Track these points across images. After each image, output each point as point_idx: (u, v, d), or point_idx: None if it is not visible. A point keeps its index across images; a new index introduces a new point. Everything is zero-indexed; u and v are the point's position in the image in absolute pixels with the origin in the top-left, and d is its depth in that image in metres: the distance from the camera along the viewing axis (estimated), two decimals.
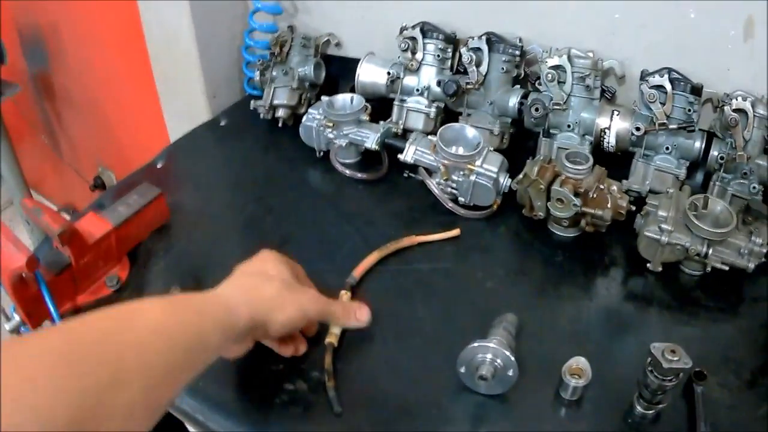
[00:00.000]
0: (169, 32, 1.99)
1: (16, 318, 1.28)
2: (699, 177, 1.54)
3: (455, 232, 1.42)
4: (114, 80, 2.86)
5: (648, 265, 1.35)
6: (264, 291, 1.05)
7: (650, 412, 1.07)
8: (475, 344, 1.07)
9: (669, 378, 1.00)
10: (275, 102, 1.85)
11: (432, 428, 1.08)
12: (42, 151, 3.71)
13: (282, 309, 1.04)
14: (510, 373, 1.07)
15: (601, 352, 1.19)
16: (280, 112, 1.87)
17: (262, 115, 1.89)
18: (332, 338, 1.18)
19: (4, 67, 2.82)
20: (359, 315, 1.16)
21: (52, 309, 1.25)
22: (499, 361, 1.06)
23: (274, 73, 1.88)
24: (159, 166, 1.75)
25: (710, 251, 1.29)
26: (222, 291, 1.03)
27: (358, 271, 1.30)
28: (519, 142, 1.71)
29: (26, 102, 3.45)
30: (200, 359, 0.91)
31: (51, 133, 3.57)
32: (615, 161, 1.52)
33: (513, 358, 1.06)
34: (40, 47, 3.11)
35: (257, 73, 1.91)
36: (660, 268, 1.35)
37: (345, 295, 1.25)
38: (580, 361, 1.10)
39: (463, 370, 1.09)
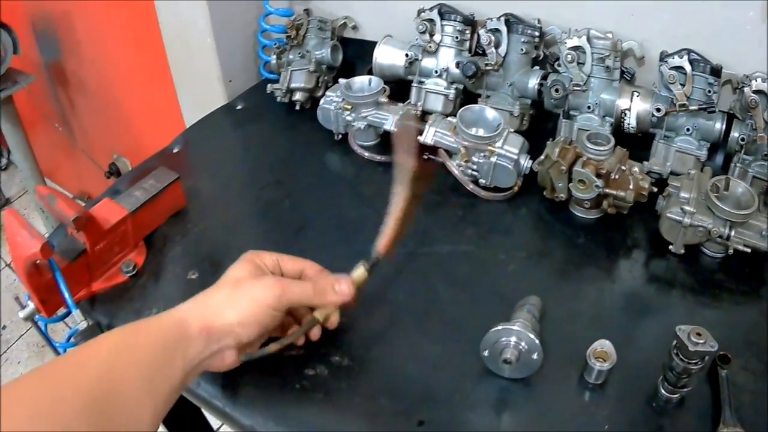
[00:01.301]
0: (184, 18, 1.99)
1: (31, 306, 1.28)
2: (719, 159, 1.53)
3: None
4: (128, 67, 2.87)
5: (670, 247, 1.35)
6: (210, 296, 1.02)
7: (675, 395, 1.06)
8: (499, 327, 1.07)
9: (694, 361, 0.99)
10: (292, 85, 1.85)
11: (455, 413, 1.08)
12: (56, 139, 3.72)
13: (232, 307, 0.99)
14: (534, 356, 1.06)
15: (624, 336, 1.18)
16: (297, 95, 1.86)
17: (279, 99, 1.88)
18: (318, 314, 1.10)
19: (18, 58, 2.83)
20: (339, 288, 1.07)
21: (66, 296, 1.24)
22: (523, 344, 1.06)
23: (290, 57, 1.88)
24: (175, 151, 1.75)
25: (732, 233, 1.28)
26: (176, 308, 1.00)
27: (383, 246, 1.10)
28: (539, 124, 1.70)
29: (40, 91, 3.47)
30: (169, 376, 0.92)
31: (65, 122, 3.59)
32: (636, 143, 1.51)
33: (538, 342, 1.05)
34: (53, 37, 3.13)
35: (274, 56, 1.91)
36: (682, 250, 1.34)
37: (359, 270, 1.10)
38: (604, 345, 1.09)
39: (486, 353, 1.09)
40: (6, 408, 0.74)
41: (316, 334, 1.13)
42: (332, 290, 1.07)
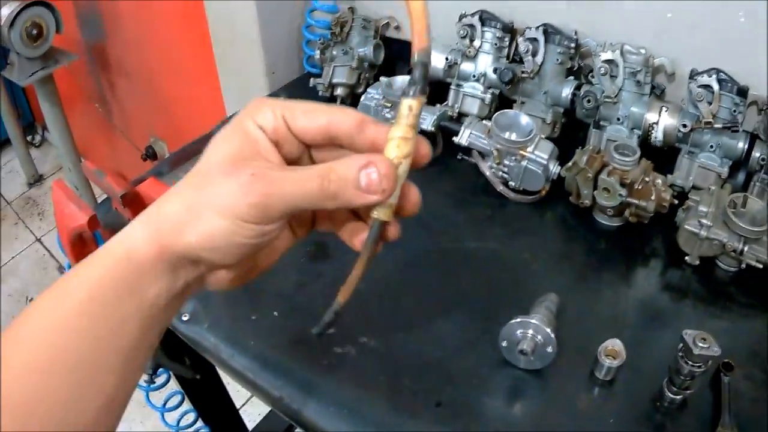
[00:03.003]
0: (231, 8, 2.04)
1: None
2: (741, 177, 1.56)
3: None
4: (172, 53, 2.90)
5: (686, 258, 1.39)
6: (167, 203, 0.67)
7: (678, 397, 1.11)
8: (518, 319, 1.13)
9: (698, 364, 1.04)
10: (334, 80, 1.90)
11: (471, 397, 1.14)
12: (94, 119, 3.76)
13: (191, 223, 0.64)
14: (549, 349, 1.12)
15: (636, 338, 1.22)
16: (339, 91, 1.91)
17: (320, 93, 1.93)
18: (378, 212, 0.68)
19: (60, 36, 2.87)
20: (368, 182, 0.64)
21: None
22: (539, 337, 1.12)
23: (334, 52, 1.92)
24: None
25: (746, 248, 1.32)
26: (125, 229, 0.68)
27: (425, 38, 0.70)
28: (570, 132, 1.73)
29: (80, 71, 3.50)
30: (119, 342, 0.65)
31: (104, 102, 3.62)
32: (661, 156, 1.54)
33: (553, 336, 1.11)
34: (97, 18, 3.15)
35: (317, 51, 1.95)
36: (697, 262, 1.38)
37: (398, 133, 0.65)
38: (615, 343, 1.15)
39: (504, 344, 1.15)
40: None
41: (393, 233, 0.71)
42: (354, 186, 0.65)
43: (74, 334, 0.63)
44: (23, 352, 0.62)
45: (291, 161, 0.69)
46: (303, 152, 0.71)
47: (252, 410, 2.96)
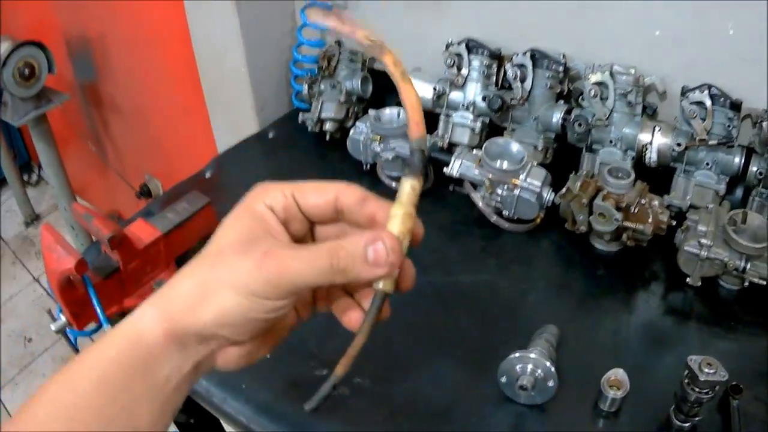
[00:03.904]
0: (218, 47, 2.04)
1: (63, 319, 1.33)
2: (739, 192, 1.55)
3: None
4: (162, 91, 2.90)
5: (687, 279, 1.37)
6: (178, 285, 0.68)
7: (687, 424, 1.09)
8: (516, 354, 1.10)
9: (705, 390, 1.02)
10: (323, 115, 1.89)
11: None
12: (88, 158, 3.76)
13: (204, 301, 0.65)
14: (550, 383, 1.10)
15: (640, 365, 1.20)
16: (328, 126, 1.90)
17: (309, 128, 1.92)
18: (384, 284, 0.69)
19: (53, 77, 2.89)
20: (375, 256, 0.66)
21: (99, 311, 1.29)
22: (539, 371, 1.10)
23: (321, 87, 1.92)
24: (207, 176, 1.80)
25: (748, 266, 1.30)
26: (135, 313, 0.70)
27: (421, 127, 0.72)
28: (562, 157, 1.72)
29: (74, 110, 3.51)
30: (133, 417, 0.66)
31: (97, 141, 3.62)
32: (656, 176, 1.53)
33: (553, 369, 1.09)
34: (88, 58, 3.16)
35: (305, 86, 1.95)
36: (699, 283, 1.36)
37: (402, 202, 0.69)
38: (618, 373, 1.12)
39: (503, 379, 1.13)
40: None
41: (386, 311, 0.72)
42: (363, 260, 0.66)
43: (88, 412, 0.64)
44: (44, 419, 0.64)
45: (298, 240, 0.72)
46: (307, 231, 0.74)
47: None
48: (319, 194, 0.71)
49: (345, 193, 0.71)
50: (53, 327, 1.34)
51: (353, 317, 0.73)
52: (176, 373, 0.68)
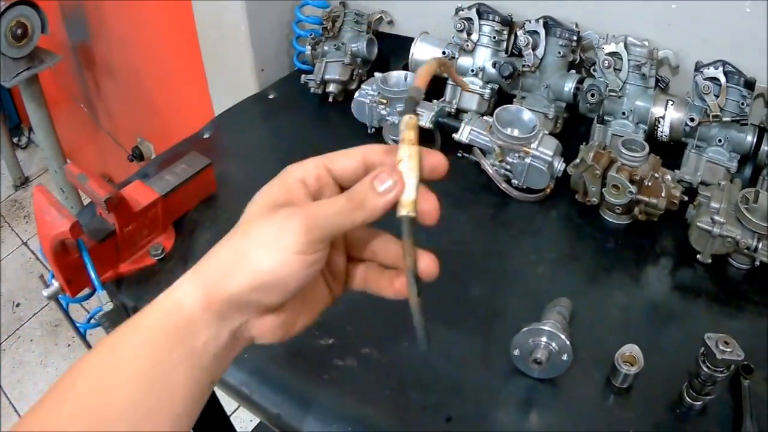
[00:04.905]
0: (219, 6, 2.01)
1: (55, 285, 1.29)
2: (748, 171, 1.53)
3: None
4: (158, 52, 2.88)
5: (698, 256, 1.35)
6: (214, 256, 0.71)
7: (698, 403, 1.07)
8: (531, 327, 1.08)
9: (720, 369, 1.01)
10: (327, 77, 1.86)
11: (483, 411, 1.10)
12: (80, 120, 3.74)
13: (240, 266, 0.68)
14: (564, 357, 1.08)
15: (650, 341, 1.18)
16: (331, 87, 1.87)
17: (312, 90, 1.89)
18: (404, 208, 0.71)
19: (46, 37, 2.86)
20: (382, 184, 0.69)
21: (93, 277, 1.26)
22: (554, 344, 1.07)
23: (325, 48, 1.89)
24: (206, 136, 1.77)
25: (760, 245, 1.29)
26: (174, 286, 0.72)
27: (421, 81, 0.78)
28: (572, 127, 1.70)
29: (66, 72, 3.50)
30: (171, 387, 0.69)
31: (89, 103, 3.61)
32: (667, 151, 1.51)
33: (568, 342, 1.06)
34: (82, 18, 3.15)
35: (308, 47, 1.92)
36: (709, 260, 1.35)
37: (406, 126, 0.72)
38: (633, 349, 1.10)
39: (517, 353, 1.10)
40: None
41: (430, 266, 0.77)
42: (373, 190, 0.70)
43: (128, 374, 0.67)
44: (84, 385, 0.67)
45: None
46: None
47: (244, 416, 2.91)
48: (347, 158, 0.74)
49: (371, 151, 0.74)
50: (45, 293, 1.30)
51: (396, 284, 0.79)
52: (212, 340, 0.70)
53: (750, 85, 1.42)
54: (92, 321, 1.38)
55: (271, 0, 2.01)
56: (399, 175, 0.70)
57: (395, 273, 0.79)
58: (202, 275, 0.70)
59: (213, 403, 1.99)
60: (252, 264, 0.67)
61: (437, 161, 0.73)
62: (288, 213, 0.68)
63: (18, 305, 3.52)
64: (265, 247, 0.67)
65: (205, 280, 0.69)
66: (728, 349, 0.99)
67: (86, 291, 1.32)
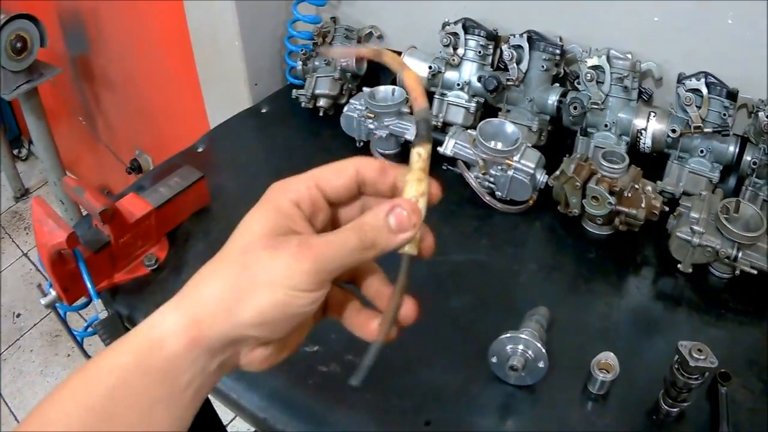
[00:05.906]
0: (213, 21, 2.02)
1: (52, 293, 1.32)
2: (732, 181, 1.55)
3: None
4: (155, 65, 2.89)
5: (679, 266, 1.37)
6: (205, 286, 0.67)
7: (675, 410, 1.09)
8: (508, 335, 1.10)
9: (695, 376, 1.02)
10: (317, 91, 1.88)
11: (461, 415, 1.12)
12: (79, 132, 3.74)
13: (240, 302, 0.64)
14: (540, 364, 1.10)
15: (629, 350, 1.21)
16: (322, 102, 1.89)
17: (303, 104, 1.91)
18: (409, 248, 0.70)
19: (44, 50, 2.87)
20: (397, 221, 0.66)
21: (89, 286, 1.29)
22: (530, 352, 1.09)
23: (316, 63, 1.91)
24: (199, 150, 1.79)
25: (740, 254, 1.30)
26: (154, 316, 0.68)
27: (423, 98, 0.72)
28: (556, 140, 1.72)
29: (65, 84, 3.49)
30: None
31: (88, 115, 3.60)
32: (650, 162, 1.53)
33: (544, 350, 1.09)
34: (81, 32, 3.14)
35: (300, 62, 1.94)
36: (690, 270, 1.37)
37: (415, 168, 0.69)
38: (609, 356, 1.12)
39: (494, 360, 1.12)
40: None
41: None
42: (388, 230, 0.67)
43: (103, 416, 0.63)
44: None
45: (321, 230, 0.71)
46: (329, 220, 0.73)
47: (241, 426, 2.91)
48: (339, 175, 0.70)
49: (364, 166, 0.71)
50: (42, 301, 1.33)
51: (371, 325, 0.74)
52: (198, 376, 0.67)
53: (732, 95, 1.43)
54: (89, 329, 1.41)
55: (264, 15, 2.02)
56: (418, 215, 0.68)
57: (372, 314, 0.75)
58: (192, 308, 0.66)
59: (209, 411, 2.01)
60: (256, 301, 0.64)
61: (435, 194, 0.72)
62: (296, 251, 0.64)
63: (18, 315, 3.52)
64: (272, 286, 0.64)
65: (197, 314, 0.65)
66: (701, 357, 1.00)
67: (83, 300, 1.34)
